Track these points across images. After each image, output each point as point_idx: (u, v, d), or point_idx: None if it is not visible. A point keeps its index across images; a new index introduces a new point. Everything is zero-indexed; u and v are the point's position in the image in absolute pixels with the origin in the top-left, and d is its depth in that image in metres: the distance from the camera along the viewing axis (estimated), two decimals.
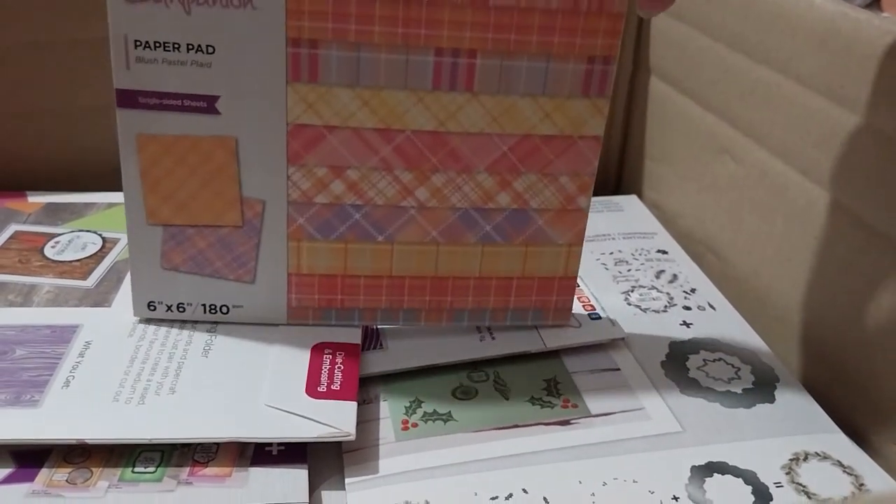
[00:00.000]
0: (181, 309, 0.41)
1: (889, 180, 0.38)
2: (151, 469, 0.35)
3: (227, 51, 0.36)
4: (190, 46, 0.36)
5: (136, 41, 0.36)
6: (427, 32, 0.36)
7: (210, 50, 0.36)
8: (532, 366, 0.41)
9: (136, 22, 0.35)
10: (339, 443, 0.37)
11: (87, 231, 0.49)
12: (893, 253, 0.38)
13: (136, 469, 0.35)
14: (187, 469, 0.35)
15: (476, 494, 0.35)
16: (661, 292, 0.47)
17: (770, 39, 0.44)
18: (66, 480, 0.34)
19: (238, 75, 0.36)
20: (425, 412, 0.38)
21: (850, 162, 0.40)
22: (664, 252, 0.51)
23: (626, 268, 0.49)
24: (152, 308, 0.41)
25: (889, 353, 0.39)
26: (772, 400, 0.40)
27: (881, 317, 0.39)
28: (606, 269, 0.49)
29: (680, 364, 0.42)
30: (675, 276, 0.49)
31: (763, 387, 0.41)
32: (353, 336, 0.41)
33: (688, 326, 0.45)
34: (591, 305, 0.45)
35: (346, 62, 0.36)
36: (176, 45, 0.36)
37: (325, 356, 0.40)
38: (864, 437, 0.40)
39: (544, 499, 0.34)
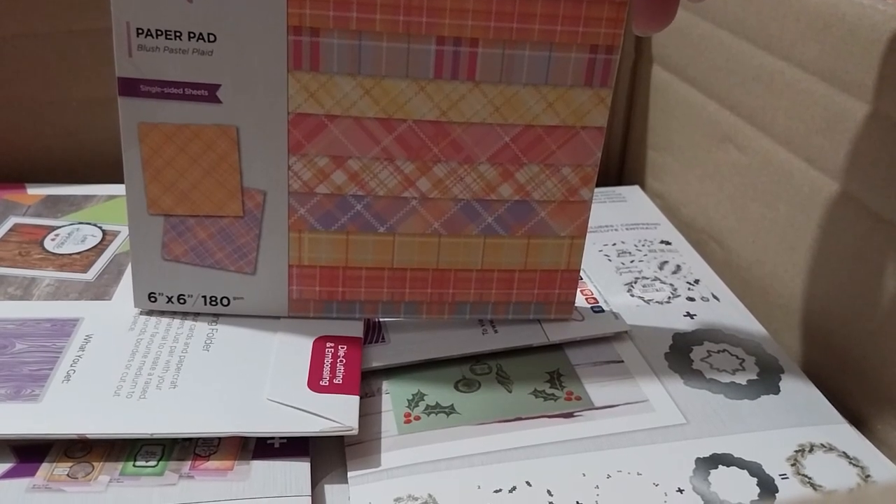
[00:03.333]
0: (182, 300, 0.41)
1: (894, 167, 0.38)
2: (153, 463, 0.35)
3: (228, 39, 0.36)
4: (192, 34, 0.35)
5: (138, 29, 0.35)
6: (429, 20, 0.36)
7: (211, 38, 0.36)
8: (535, 358, 0.41)
9: (138, 9, 0.35)
10: (342, 436, 0.37)
11: (87, 223, 0.48)
12: None
13: (138, 463, 0.34)
14: (189, 463, 0.35)
15: (479, 487, 0.34)
16: (664, 283, 0.47)
17: (773, 25, 0.44)
18: (67, 475, 0.34)
19: (239, 64, 0.36)
20: (428, 405, 0.38)
21: (855, 148, 0.40)
22: (667, 243, 0.51)
23: (630, 259, 0.49)
24: (153, 299, 0.40)
25: (894, 342, 0.39)
26: (776, 391, 0.40)
27: (886, 305, 0.39)
28: (609, 260, 0.49)
29: (684, 355, 0.42)
30: (678, 267, 0.48)
31: (767, 378, 0.40)
32: (356, 329, 0.41)
33: (691, 318, 0.44)
34: (595, 298, 0.45)
35: (348, 50, 0.36)
36: (178, 33, 0.35)
37: (327, 350, 0.39)
38: (869, 426, 0.39)
39: (548, 491, 0.34)
